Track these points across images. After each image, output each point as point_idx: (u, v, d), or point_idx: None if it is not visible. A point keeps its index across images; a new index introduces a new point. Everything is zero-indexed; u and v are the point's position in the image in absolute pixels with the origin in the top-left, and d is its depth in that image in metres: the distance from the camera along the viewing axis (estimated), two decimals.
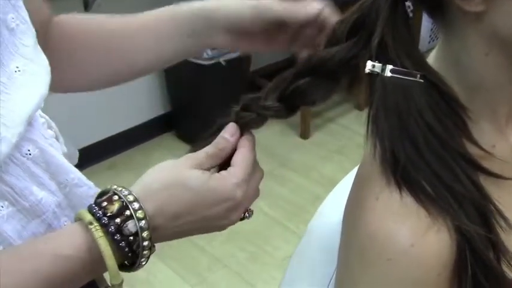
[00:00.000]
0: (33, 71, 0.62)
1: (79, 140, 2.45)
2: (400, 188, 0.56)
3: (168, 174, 0.60)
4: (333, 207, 0.79)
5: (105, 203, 0.57)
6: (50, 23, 0.77)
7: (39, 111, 0.68)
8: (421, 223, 0.55)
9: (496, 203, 0.58)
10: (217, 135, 0.64)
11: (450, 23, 0.58)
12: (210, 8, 0.72)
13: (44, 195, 0.63)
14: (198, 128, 3.04)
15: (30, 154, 0.61)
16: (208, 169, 0.61)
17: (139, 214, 0.56)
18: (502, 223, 0.57)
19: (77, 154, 0.80)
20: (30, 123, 0.62)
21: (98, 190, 0.72)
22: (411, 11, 0.61)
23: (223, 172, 0.61)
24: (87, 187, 0.70)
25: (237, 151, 0.63)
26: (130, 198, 0.57)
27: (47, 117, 0.70)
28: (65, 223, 0.66)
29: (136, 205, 0.56)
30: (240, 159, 0.62)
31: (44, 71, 0.64)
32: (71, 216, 0.67)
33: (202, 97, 2.57)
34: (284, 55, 3.17)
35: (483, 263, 0.55)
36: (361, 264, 0.58)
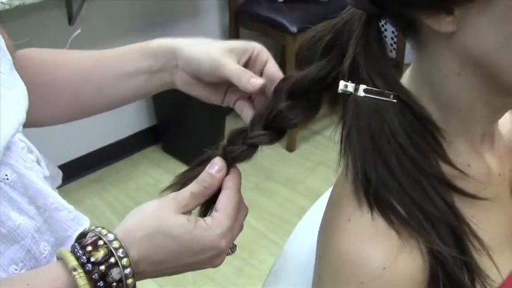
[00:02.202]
0: (9, 97, 0.62)
1: (65, 154, 2.44)
2: (371, 210, 0.56)
3: (153, 221, 0.58)
4: (309, 227, 0.78)
5: (89, 248, 0.55)
6: (13, 57, 0.76)
7: (20, 135, 0.68)
8: (393, 245, 0.55)
9: (470, 223, 0.58)
10: (203, 166, 0.63)
11: (423, 42, 0.58)
12: (175, 46, 0.71)
13: (23, 221, 0.62)
14: (184, 141, 3.03)
15: (7, 179, 0.61)
16: (194, 208, 0.61)
17: (125, 262, 0.55)
18: (476, 244, 0.57)
19: (61, 175, 0.80)
20: (8, 147, 0.62)
21: (78, 213, 0.71)
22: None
23: (208, 220, 0.60)
24: (67, 211, 0.69)
25: (222, 192, 0.62)
26: (116, 244, 0.56)
27: (27, 141, 0.70)
28: (45, 248, 0.65)
29: (121, 252, 0.56)
30: (225, 204, 0.61)
31: (20, 97, 0.64)
32: (50, 241, 0.66)
33: (188, 110, 2.56)
34: None
35: (456, 284, 0.55)
36: (333, 286, 0.57)
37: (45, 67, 0.71)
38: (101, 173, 2.65)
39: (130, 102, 0.77)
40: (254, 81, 0.64)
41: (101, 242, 0.56)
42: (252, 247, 2.22)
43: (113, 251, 0.55)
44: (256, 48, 0.69)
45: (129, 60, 0.74)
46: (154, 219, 0.59)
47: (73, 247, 0.56)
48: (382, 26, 0.58)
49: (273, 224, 2.33)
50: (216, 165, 0.62)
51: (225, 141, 0.63)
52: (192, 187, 0.61)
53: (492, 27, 0.51)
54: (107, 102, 0.77)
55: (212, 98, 0.72)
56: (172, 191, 0.62)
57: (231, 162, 0.63)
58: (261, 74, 0.68)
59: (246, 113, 0.68)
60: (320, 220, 0.64)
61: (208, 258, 0.60)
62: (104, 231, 0.57)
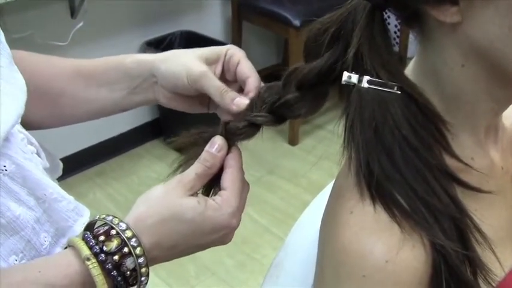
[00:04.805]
0: (8, 90, 0.62)
1: (67, 147, 2.44)
2: (374, 202, 0.56)
3: (163, 207, 0.59)
4: (311, 220, 0.78)
5: (102, 237, 0.56)
6: None
7: (19, 127, 0.68)
8: (395, 239, 0.55)
9: (473, 216, 0.57)
10: (200, 140, 0.63)
11: (427, 33, 0.58)
12: (151, 63, 0.72)
13: (22, 211, 0.62)
14: None
15: (6, 170, 0.61)
16: (199, 189, 0.61)
17: (138, 251, 0.56)
18: (478, 237, 0.57)
19: (61, 166, 0.80)
20: (7, 138, 0.62)
21: (78, 204, 0.71)
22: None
23: (217, 200, 0.60)
24: (66, 201, 0.69)
25: (226, 171, 0.62)
26: (129, 234, 0.56)
27: (26, 132, 0.70)
28: (45, 239, 0.65)
29: (134, 242, 0.56)
30: (232, 182, 0.61)
31: (20, 90, 0.64)
32: (50, 232, 0.67)
33: None
34: (272, 61, 3.17)
35: (458, 278, 0.55)
36: (336, 279, 0.57)
37: (26, 71, 0.71)
38: (104, 166, 2.65)
39: (111, 114, 0.78)
40: (239, 101, 0.64)
41: (113, 232, 0.56)
42: (255, 241, 2.22)
43: (126, 240, 0.56)
44: (229, 51, 0.69)
45: (106, 75, 0.74)
46: (164, 204, 0.59)
47: (85, 236, 0.56)
48: (385, 19, 0.58)
49: (275, 218, 2.33)
50: (216, 144, 0.62)
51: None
52: (196, 168, 0.61)
53: (497, 19, 0.51)
54: (86, 114, 0.78)
55: (196, 108, 0.73)
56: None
57: (231, 139, 0.63)
58: (235, 75, 0.68)
59: (226, 118, 0.67)
60: (322, 213, 0.64)
61: (219, 237, 0.61)
62: (116, 220, 0.57)
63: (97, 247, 0.55)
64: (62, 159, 0.80)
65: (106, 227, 0.57)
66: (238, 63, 0.68)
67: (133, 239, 0.56)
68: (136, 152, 2.76)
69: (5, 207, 0.60)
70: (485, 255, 0.57)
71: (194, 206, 0.59)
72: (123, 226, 0.56)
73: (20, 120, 0.64)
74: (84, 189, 2.47)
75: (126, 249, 0.55)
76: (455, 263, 0.55)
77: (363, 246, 0.55)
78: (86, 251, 0.55)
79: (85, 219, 0.72)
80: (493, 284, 0.58)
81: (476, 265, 0.56)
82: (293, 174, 2.60)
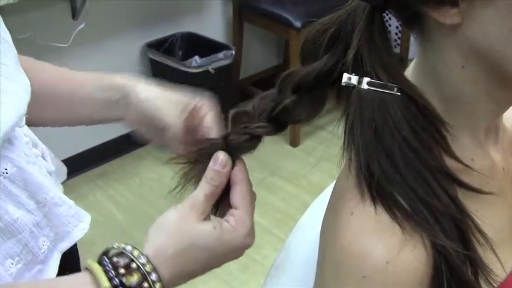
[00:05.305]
0: (12, 90, 0.62)
1: (69, 148, 2.44)
2: (374, 203, 0.56)
3: (181, 236, 0.58)
4: (312, 221, 0.78)
5: (122, 270, 0.55)
6: None
7: (25, 130, 0.68)
8: (396, 240, 0.55)
9: (474, 217, 0.57)
10: (201, 158, 0.63)
11: (427, 35, 0.58)
12: (133, 88, 0.75)
13: (20, 215, 0.62)
14: None
15: (7, 173, 0.61)
16: (210, 210, 0.62)
17: (158, 286, 0.55)
18: (479, 238, 0.56)
19: (65, 170, 0.80)
20: (10, 141, 0.62)
21: (79, 209, 0.71)
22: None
23: (231, 221, 0.60)
24: (67, 206, 0.69)
25: (234, 187, 0.62)
26: (148, 268, 0.55)
27: (33, 135, 0.70)
28: (44, 243, 0.65)
29: (154, 277, 0.55)
30: (242, 200, 0.62)
31: (23, 91, 0.64)
32: (50, 236, 0.66)
33: None
34: (273, 62, 3.17)
35: (459, 278, 0.55)
36: (336, 280, 0.57)
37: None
38: (105, 168, 2.65)
39: (87, 125, 0.82)
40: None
41: (134, 265, 0.55)
42: (257, 243, 2.18)
43: (147, 275, 0.55)
44: (201, 101, 0.72)
45: (90, 87, 0.77)
46: (181, 233, 0.59)
47: (103, 263, 0.55)
48: (386, 21, 0.58)
49: (277, 220, 2.33)
50: (219, 160, 0.61)
51: (227, 131, 0.63)
52: (204, 189, 0.61)
53: (497, 19, 0.51)
54: (66, 120, 0.81)
55: (156, 140, 0.76)
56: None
57: (234, 154, 0.62)
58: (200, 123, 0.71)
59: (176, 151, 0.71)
60: (323, 214, 0.64)
61: (235, 255, 0.63)
62: (136, 253, 0.56)
63: (117, 279, 0.54)
64: (63, 161, 0.81)
65: (126, 260, 0.56)
66: (205, 115, 0.70)
67: (154, 274, 0.55)
68: (137, 153, 2.76)
69: (3, 210, 0.60)
70: (486, 255, 0.57)
71: (210, 232, 0.59)
72: (144, 260, 0.56)
73: (24, 123, 0.64)
74: (85, 190, 2.47)
75: (146, 285, 0.55)
76: (456, 264, 0.54)
77: (364, 247, 0.55)
78: (105, 283, 0.54)
79: (85, 225, 0.72)
80: (494, 285, 0.57)
81: (477, 266, 0.56)
82: (294, 175, 2.60)
